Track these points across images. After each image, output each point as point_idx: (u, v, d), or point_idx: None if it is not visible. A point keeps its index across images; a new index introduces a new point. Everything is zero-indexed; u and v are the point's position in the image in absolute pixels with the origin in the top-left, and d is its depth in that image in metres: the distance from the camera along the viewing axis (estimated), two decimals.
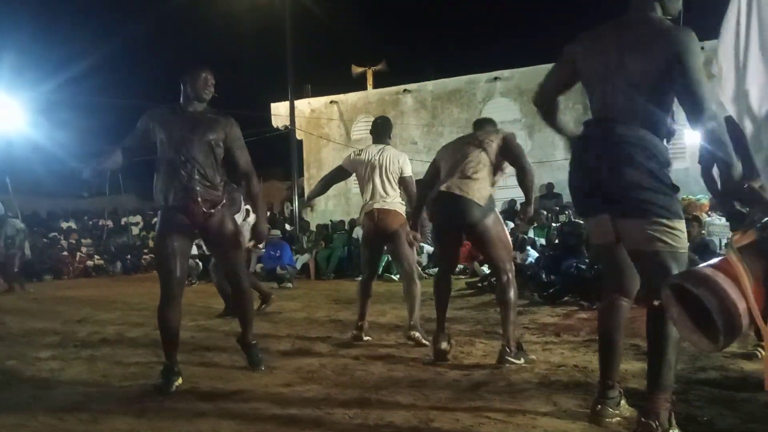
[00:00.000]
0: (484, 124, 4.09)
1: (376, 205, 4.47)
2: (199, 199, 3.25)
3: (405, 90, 14.91)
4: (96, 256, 14.95)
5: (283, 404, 2.87)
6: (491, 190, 3.71)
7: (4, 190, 15.88)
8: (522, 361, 3.56)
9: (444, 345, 3.71)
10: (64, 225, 17.75)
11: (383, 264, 10.49)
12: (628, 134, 2.23)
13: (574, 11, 22.80)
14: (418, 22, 32.12)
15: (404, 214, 4.56)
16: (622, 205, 2.25)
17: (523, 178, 3.70)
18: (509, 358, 3.52)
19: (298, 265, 11.51)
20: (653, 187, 2.18)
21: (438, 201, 3.70)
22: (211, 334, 5.15)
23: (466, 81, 14.38)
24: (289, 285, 9.79)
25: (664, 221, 2.17)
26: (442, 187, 3.66)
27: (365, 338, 4.49)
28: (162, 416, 2.73)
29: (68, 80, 17.13)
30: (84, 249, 15.29)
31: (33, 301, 8.66)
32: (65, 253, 14.57)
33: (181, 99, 3.42)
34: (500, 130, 3.98)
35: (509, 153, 3.74)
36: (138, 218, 18.87)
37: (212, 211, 3.30)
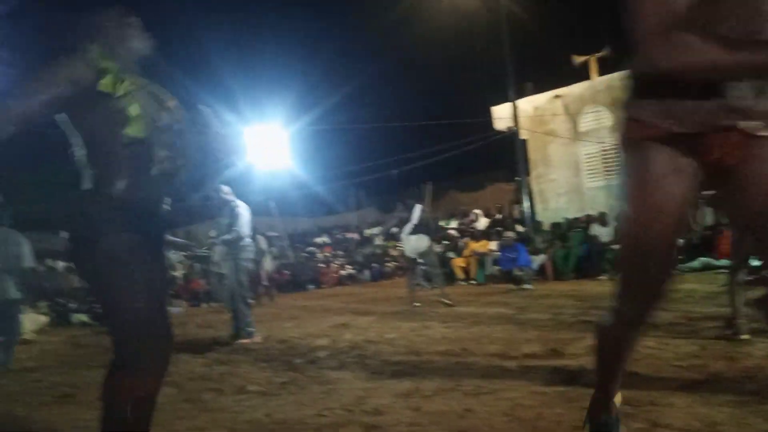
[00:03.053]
0: None
1: None
2: None
3: None
4: (348, 266, 16.46)
5: (550, 406, 2.90)
6: None
7: (270, 213, 18.34)
8: None
9: None
10: (319, 240, 19.86)
11: None
12: None
13: None
14: None
15: None
16: None
17: None
18: None
19: (535, 266, 11.37)
20: None
21: None
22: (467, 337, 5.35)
23: None
24: (528, 286, 9.73)
25: None
26: None
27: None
28: (434, 411, 2.94)
29: (322, 113, 19.15)
30: (337, 261, 16.92)
31: (302, 308, 9.84)
32: (322, 264, 16.30)
33: None
34: None
35: None
36: (378, 229, 20.35)
37: None
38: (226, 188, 6.35)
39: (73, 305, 11.25)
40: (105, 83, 1.98)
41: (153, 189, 2.05)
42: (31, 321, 9.48)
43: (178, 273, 13.63)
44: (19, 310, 5.82)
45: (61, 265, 15.10)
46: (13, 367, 5.57)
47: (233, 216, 6.27)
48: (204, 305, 12.81)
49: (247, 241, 6.36)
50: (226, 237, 6.26)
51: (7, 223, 5.79)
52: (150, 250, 2.02)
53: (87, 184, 2.00)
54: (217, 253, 6.77)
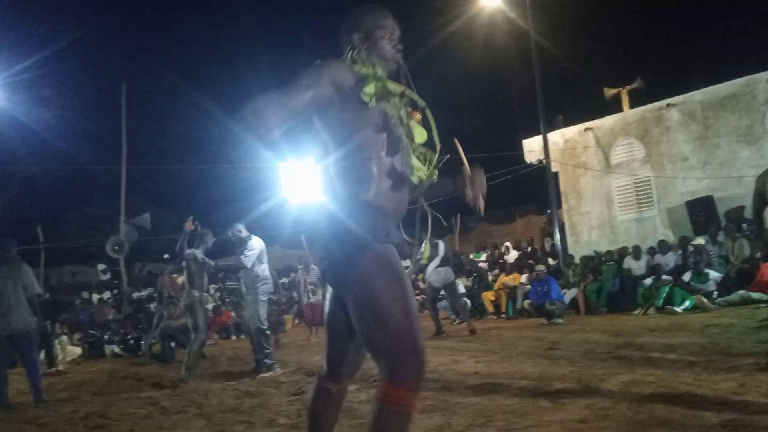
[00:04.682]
0: None
1: None
2: None
3: (668, 105, 13.78)
4: None
5: None
6: None
7: (300, 246, 18.48)
8: None
9: None
10: None
11: (664, 296, 9.67)
12: None
13: None
14: (673, 31, 29.54)
15: None
16: None
17: None
18: None
19: (566, 300, 11.19)
20: None
21: None
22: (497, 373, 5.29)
23: (743, 84, 12.74)
24: (560, 320, 9.56)
25: None
26: None
27: None
28: None
29: None
30: None
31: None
32: None
33: None
34: None
35: None
36: (406, 262, 20.31)
37: None
38: (240, 226, 6.53)
39: (106, 337, 11.42)
40: (367, 92, 1.95)
41: (397, 202, 2.01)
42: (65, 352, 9.67)
43: (209, 305, 13.76)
44: (37, 340, 5.92)
45: (96, 297, 15.42)
46: (47, 398, 5.66)
47: (244, 248, 6.42)
48: (234, 337, 12.89)
49: (265, 274, 6.46)
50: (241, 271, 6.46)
51: (9, 256, 5.89)
52: (398, 260, 1.94)
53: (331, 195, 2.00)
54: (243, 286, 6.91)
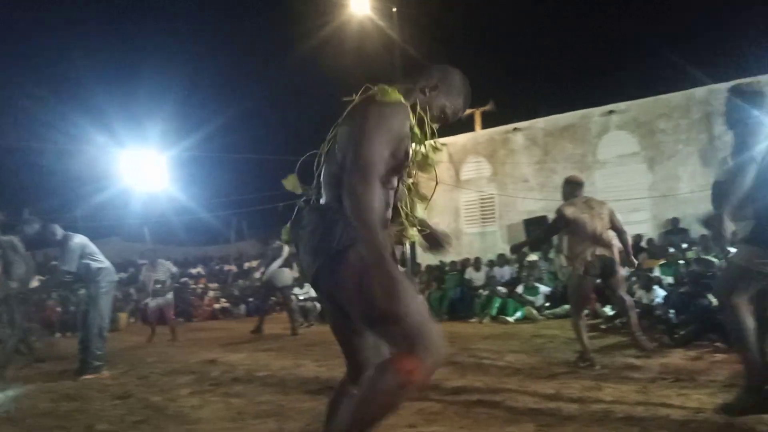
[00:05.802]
0: (578, 189, 5.39)
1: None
2: None
3: (515, 129, 14.84)
4: (222, 299, 15.86)
5: None
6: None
7: (143, 239, 17.41)
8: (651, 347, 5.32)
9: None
10: (194, 271, 19.04)
11: (498, 306, 10.33)
12: None
13: (689, 40, 21.80)
14: (526, 61, 31.88)
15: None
16: None
17: (623, 239, 5.40)
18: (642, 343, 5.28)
19: None
20: None
21: (594, 261, 5.09)
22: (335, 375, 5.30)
23: (580, 116, 14.07)
24: None
25: None
26: (597, 252, 5.09)
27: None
28: None
29: (202, 138, 18.61)
30: (211, 293, 16.27)
31: (169, 342, 9.32)
32: (194, 297, 15.59)
33: None
34: (603, 202, 5.36)
35: (614, 223, 5.30)
36: (258, 262, 19.91)
37: None
38: (54, 227, 6.06)
39: None
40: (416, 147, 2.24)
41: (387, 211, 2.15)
42: None
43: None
44: None
45: None
46: None
47: (63, 251, 5.93)
48: (58, 335, 11.80)
49: (105, 265, 5.99)
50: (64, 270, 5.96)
51: None
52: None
53: (331, 203, 2.08)
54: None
